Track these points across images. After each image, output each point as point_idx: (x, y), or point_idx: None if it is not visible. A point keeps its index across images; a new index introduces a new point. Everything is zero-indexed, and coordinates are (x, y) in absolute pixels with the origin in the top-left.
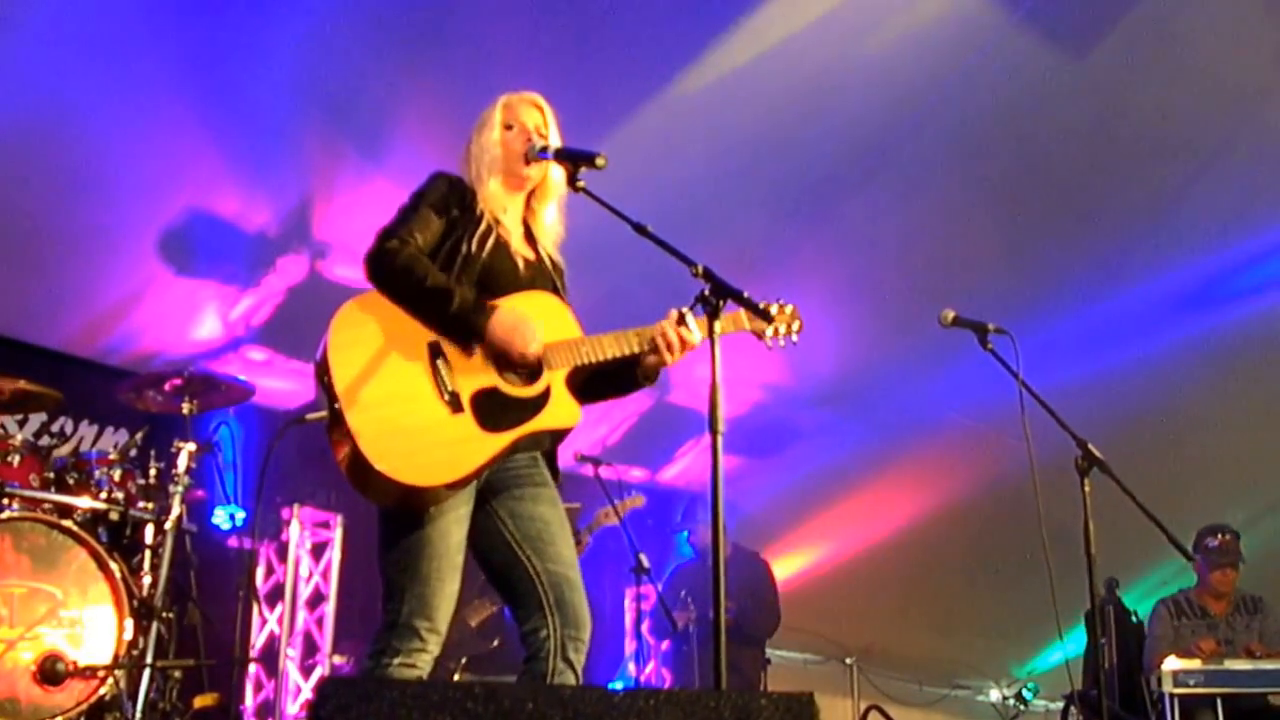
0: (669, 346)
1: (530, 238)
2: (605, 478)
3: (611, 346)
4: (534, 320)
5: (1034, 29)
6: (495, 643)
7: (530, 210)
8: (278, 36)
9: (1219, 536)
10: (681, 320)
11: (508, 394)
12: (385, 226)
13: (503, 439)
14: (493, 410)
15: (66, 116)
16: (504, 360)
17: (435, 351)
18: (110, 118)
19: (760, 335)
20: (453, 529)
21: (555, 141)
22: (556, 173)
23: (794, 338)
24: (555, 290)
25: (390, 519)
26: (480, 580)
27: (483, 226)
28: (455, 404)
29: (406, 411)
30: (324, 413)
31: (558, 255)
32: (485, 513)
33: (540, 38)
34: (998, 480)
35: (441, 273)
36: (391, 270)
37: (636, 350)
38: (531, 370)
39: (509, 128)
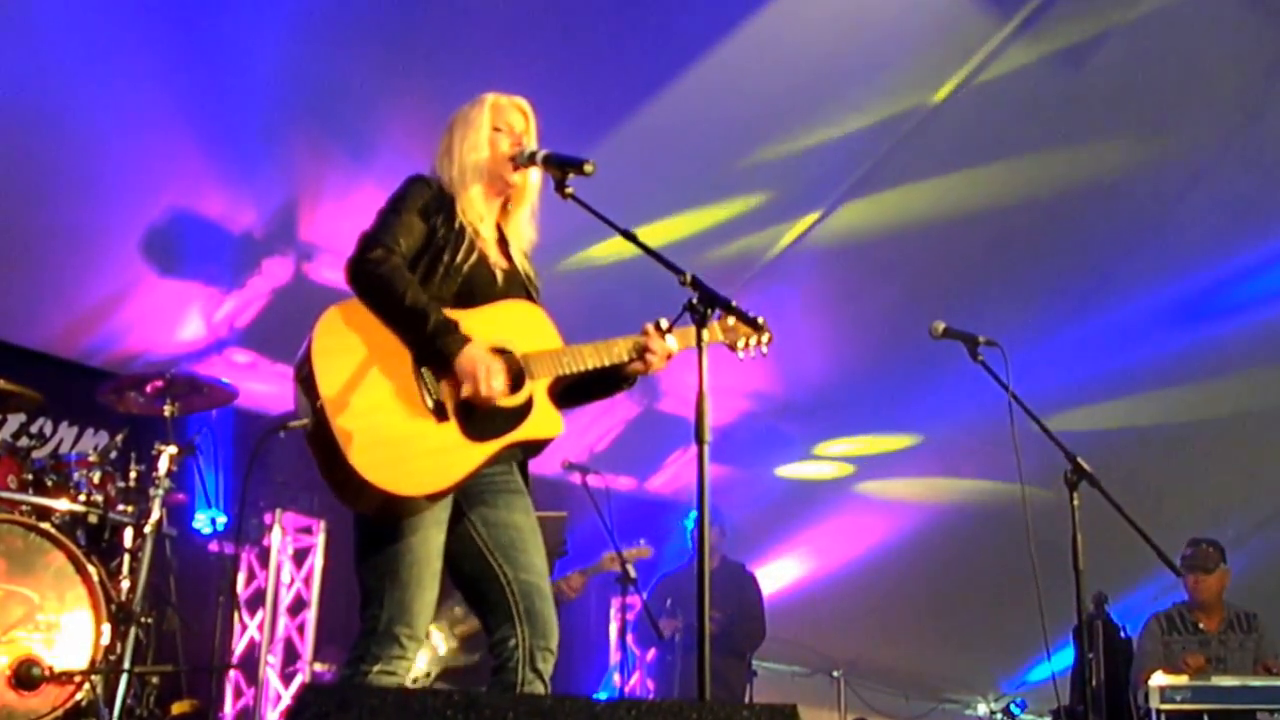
0: (653, 355)
1: (503, 243)
2: (592, 486)
3: (592, 357)
4: (499, 363)
5: (1028, 40)
6: (475, 658)
7: (505, 215)
8: (264, 36)
9: (1197, 545)
10: (659, 329)
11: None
12: (367, 233)
13: (487, 448)
14: (477, 419)
15: (51, 115)
16: None
17: (419, 360)
18: (95, 116)
19: (732, 347)
20: (432, 534)
21: (534, 148)
22: (534, 177)
23: (764, 349)
24: (529, 298)
25: (368, 524)
26: None
27: (465, 240)
28: (440, 413)
29: (392, 420)
30: (306, 420)
31: (529, 262)
32: (458, 520)
33: (528, 41)
34: (987, 493)
35: (421, 289)
36: (373, 281)
37: (615, 361)
38: (514, 379)
39: (497, 129)
